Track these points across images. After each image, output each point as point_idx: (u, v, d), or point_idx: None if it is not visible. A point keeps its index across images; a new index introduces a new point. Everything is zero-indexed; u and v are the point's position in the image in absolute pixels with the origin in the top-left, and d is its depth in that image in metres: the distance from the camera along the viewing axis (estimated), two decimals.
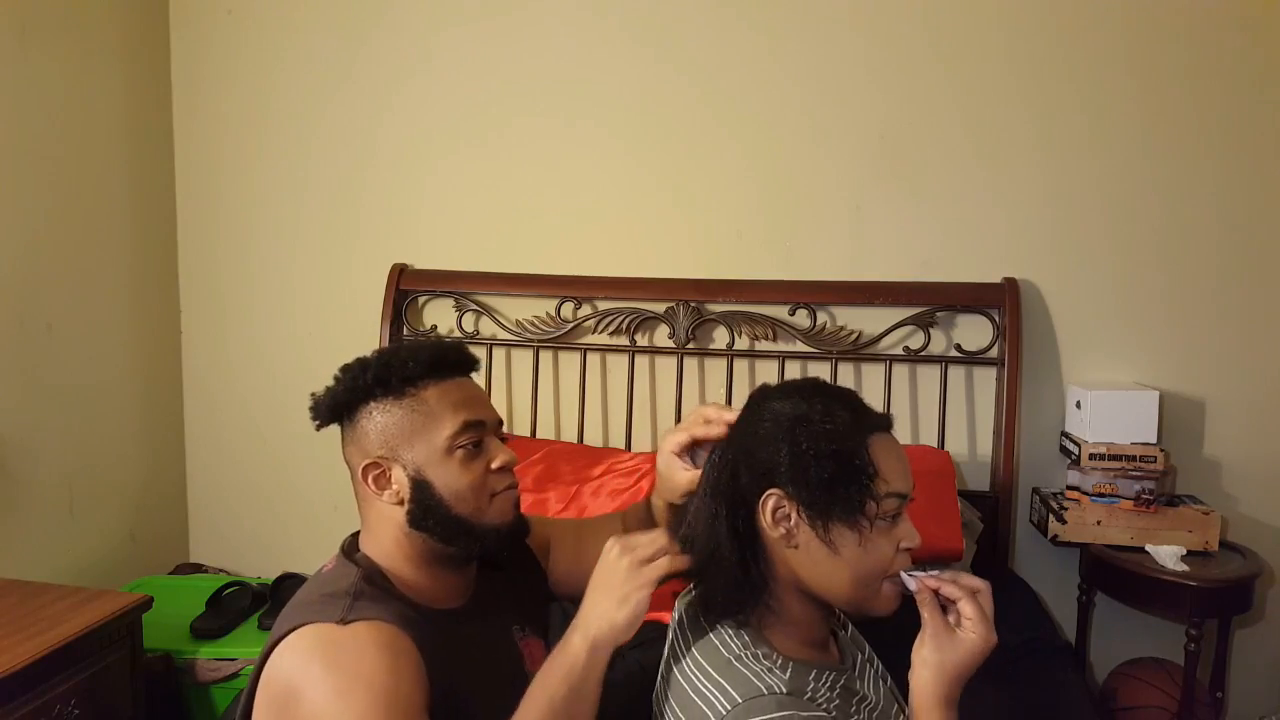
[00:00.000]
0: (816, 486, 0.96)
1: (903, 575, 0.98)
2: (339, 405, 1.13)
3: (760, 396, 1.05)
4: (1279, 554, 2.15)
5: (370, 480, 1.11)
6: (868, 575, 0.97)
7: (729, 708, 0.91)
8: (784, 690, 0.92)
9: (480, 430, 1.13)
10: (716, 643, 0.99)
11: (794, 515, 0.97)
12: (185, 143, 2.65)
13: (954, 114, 2.24)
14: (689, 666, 1.00)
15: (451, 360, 1.16)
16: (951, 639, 0.95)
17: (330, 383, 1.15)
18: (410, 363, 1.11)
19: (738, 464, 1.01)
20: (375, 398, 1.11)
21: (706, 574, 1.02)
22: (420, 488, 1.10)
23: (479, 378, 1.22)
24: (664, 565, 1.00)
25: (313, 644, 1.00)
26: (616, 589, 0.98)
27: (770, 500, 0.98)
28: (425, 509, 1.10)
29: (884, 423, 1.01)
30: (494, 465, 1.13)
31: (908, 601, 0.99)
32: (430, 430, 1.10)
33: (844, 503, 0.95)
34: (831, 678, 0.98)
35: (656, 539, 1.02)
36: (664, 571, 1.00)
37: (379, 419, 1.11)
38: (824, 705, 0.94)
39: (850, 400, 1.01)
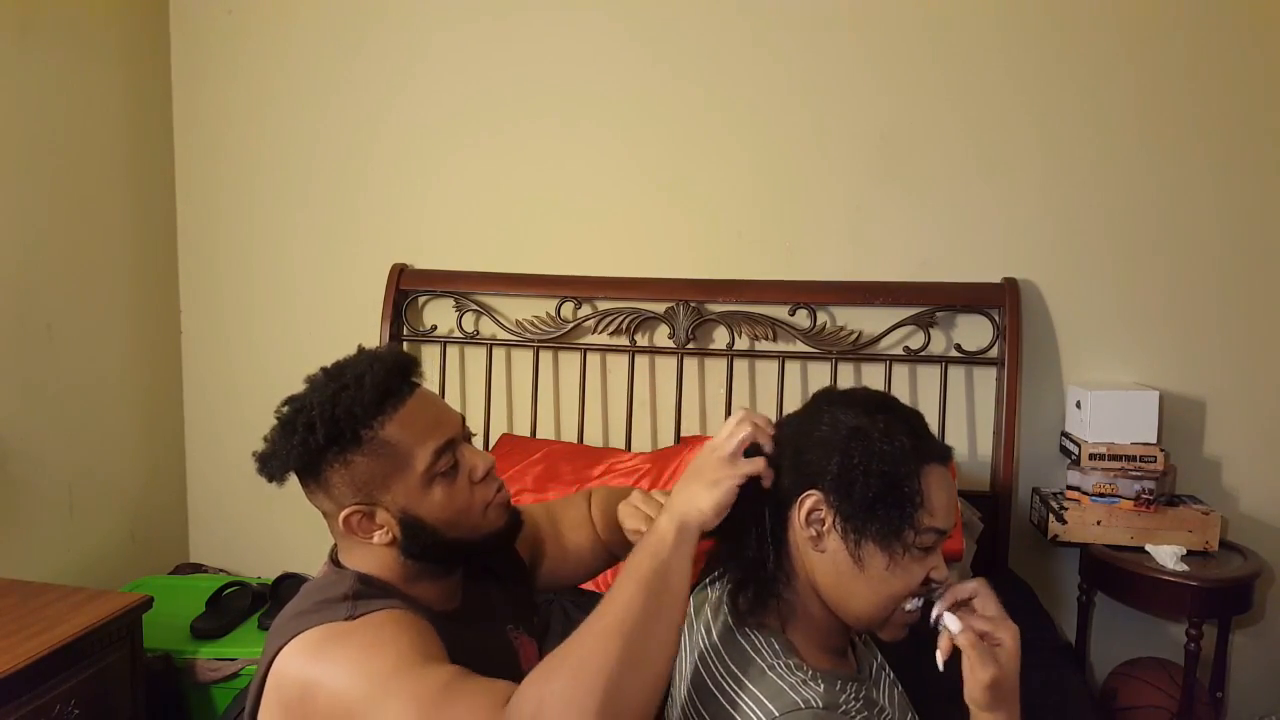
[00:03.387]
0: (859, 502, 0.95)
1: (946, 619, 0.96)
2: (292, 467, 1.05)
3: (824, 400, 1.03)
4: (1279, 554, 2.15)
5: (356, 527, 1.05)
6: (888, 599, 0.97)
7: None
8: (820, 704, 0.91)
9: (452, 450, 1.07)
10: (747, 648, 0.98)
11: (828, 521, 0.97)
12: (185, 143, 2.65)
13: (954, 115, 2.23)
14: (717, 670, 0.99)
15: (396, 385, 1.06)
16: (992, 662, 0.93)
17: (272, 433, 1.05)
18: (357, 407, 1.02)
19: (782, 459, 1.00)
20: (332, 453, 1.03)
21: (730, 563, 1.02)
22: (410, 525, 1.05)
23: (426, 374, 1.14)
24: (758, 464, 0.98)
25: (321, 640, 0.97)
26: (708, 474, 0.96)
27: (809, 500, 0.97)
28: (421, 544, 1.06)
29: (942, 454, 0.99)
30: (477, 477, 1.08)
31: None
32: (403, 469, 1.04)
33: (883, 524, 0.94)
34: (854, 688, 0.98)
35: (738, 429, 0.99)
36: (757, 469, 0.98)
37: (344, 472, 1.03)
38: (856, 718, 0.94)
39: (914, 424, 0.99)
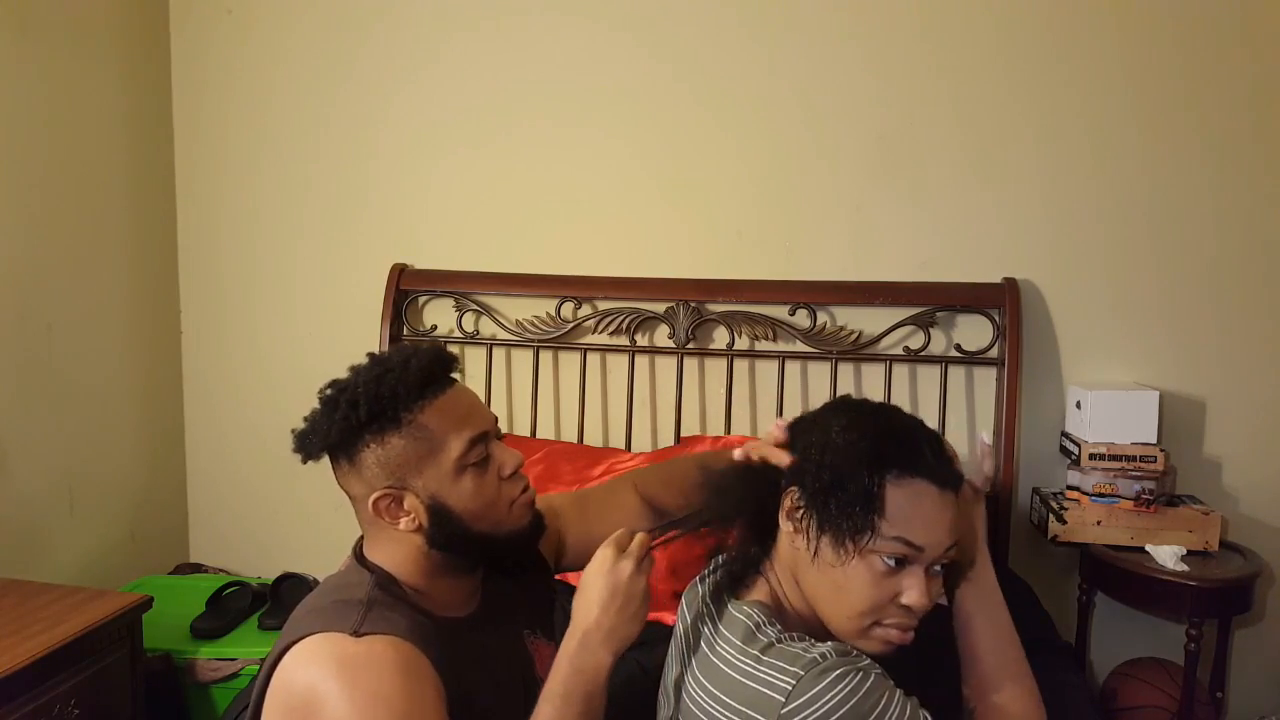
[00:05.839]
0: (813, 492, 0.99)
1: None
2: (331, 444, 1.08)
3: (835, 404, 1.09)
4: (1279, 554, 2.15)
5: (384, 511, 1.08)
6: (848, 606, 0.98)
7: (793, 683, 0.92)
8: (834, 655, 0.94)
9: (485, 442, 1.10)
10: (750, 625, 1.01)
11: (803, 515, 1.01)
12: (185, 143, 2.65)
13: (953, 114, 2.23)
14: (727, 652, 1.01)
15: (438, 374, 1.11)
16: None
17: (313, 414, 1.09)
18: (400, 388, 1.06)
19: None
20: (371, 431, 1.06)
21: (727, 555, 1.08)
22: (438, 512, 1.07)
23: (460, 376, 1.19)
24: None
25: (331, 657, 0.98)
26: (625, 599, 1.02)
27: (789, 497, 1.02)
28: (447, 533, 1.08)
29: (934, 473, 0.97)
30: (505, 473, 1.11)
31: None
32: (437, 455, 1.07)
33: (835, 519, 0.97)
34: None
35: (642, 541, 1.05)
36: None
37: (379, 452, 1.06)
38: (867, 661, 0.96)
39: (894, 433, 1.00)
